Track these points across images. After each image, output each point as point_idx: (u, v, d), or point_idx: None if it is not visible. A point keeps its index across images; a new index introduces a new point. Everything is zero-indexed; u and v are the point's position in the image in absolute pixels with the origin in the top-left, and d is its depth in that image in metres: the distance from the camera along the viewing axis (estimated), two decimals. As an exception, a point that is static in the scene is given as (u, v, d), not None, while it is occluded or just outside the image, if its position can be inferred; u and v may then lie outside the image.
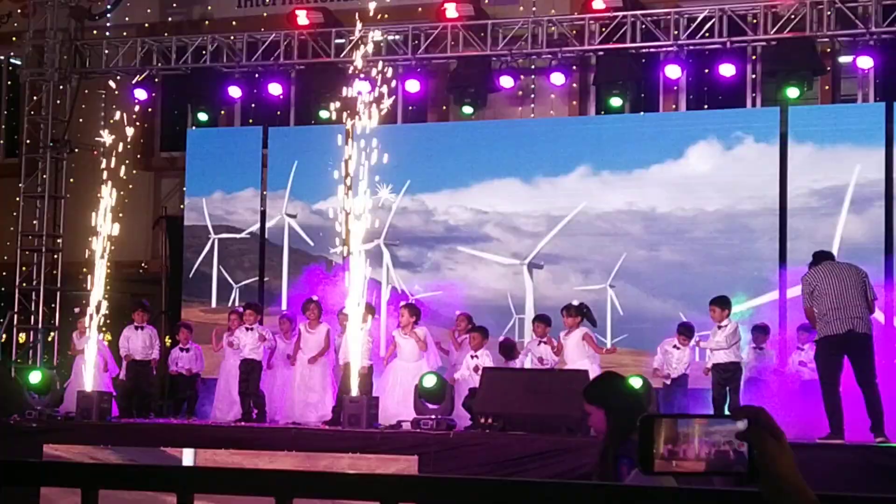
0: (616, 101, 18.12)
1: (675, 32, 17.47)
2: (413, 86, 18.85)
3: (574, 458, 12.74)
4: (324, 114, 18.78)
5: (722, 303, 14.88)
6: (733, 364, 14.60)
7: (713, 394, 14.62)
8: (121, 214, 17.09)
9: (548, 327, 15.82)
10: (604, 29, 17.89)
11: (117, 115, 17.40)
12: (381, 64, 16.41)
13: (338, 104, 16.72)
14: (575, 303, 15.79)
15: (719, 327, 14.73)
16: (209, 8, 20.92)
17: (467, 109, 18.76)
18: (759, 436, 2.32)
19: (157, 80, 20.19)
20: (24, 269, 20.16)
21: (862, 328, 12.85)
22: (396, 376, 15.87)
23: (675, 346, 15.64)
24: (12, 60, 22.16)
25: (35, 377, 16.75)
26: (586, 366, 14.73)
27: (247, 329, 16.69)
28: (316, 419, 15.83)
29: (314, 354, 16.46)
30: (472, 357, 15.47)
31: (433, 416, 14.25)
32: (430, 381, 14.74)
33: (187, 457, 13.51)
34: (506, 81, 18.46)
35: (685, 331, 15.66)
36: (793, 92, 16.98)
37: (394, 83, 17.26)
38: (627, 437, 5.29)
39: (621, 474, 5.28)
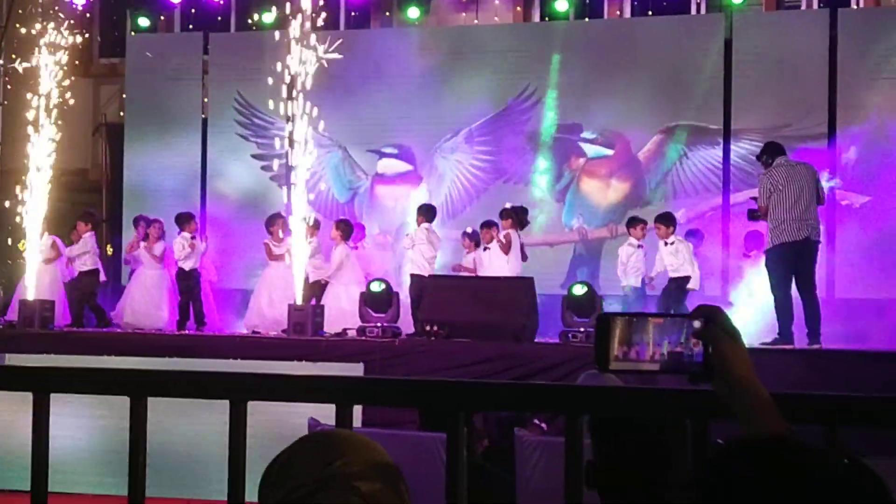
0: (561, 6, 18.00)
1: (621, -64, 17.35)
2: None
3: (519, 364, 12.80)
4: (265, 18, 18.49)
5: (667, 219, 14.89)
6: (683, 279, 14.57)
7: (662, 303, 14.55)
8: (60, 122, 16.80)
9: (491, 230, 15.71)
10: (549, -68, 17.69)
11: (54, 22, 17.01)
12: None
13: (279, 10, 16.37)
14: (507, 205, 15.68)
15: (665, 244, 14.72)
16: None
17: (413, 13, 18.54)
18: (714, 334, 2.29)
19: (95, -16, 19.83)
20: (-41, 177, 19.85)
21: (816, 236, 12.78)
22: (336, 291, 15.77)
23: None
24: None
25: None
26: (509, 268, 14.80)
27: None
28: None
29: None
30: (484, 250, 15.44)
31: (378, 324, 14.25)
32: (376, 287, 14.70)
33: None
34: (450, -14, 18.28)
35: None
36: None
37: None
38: None
39: None
